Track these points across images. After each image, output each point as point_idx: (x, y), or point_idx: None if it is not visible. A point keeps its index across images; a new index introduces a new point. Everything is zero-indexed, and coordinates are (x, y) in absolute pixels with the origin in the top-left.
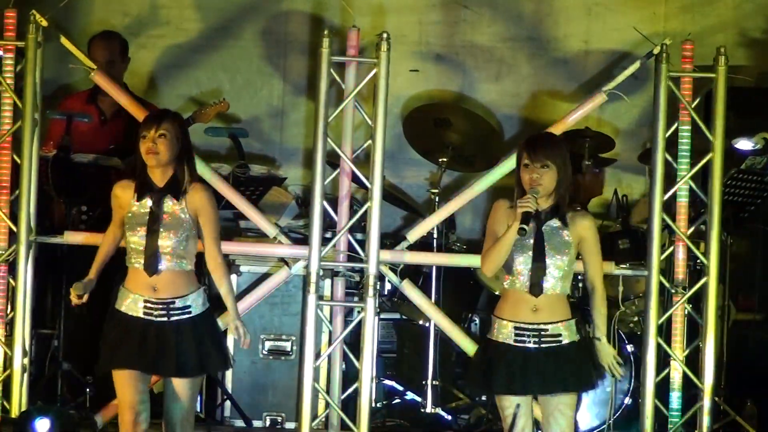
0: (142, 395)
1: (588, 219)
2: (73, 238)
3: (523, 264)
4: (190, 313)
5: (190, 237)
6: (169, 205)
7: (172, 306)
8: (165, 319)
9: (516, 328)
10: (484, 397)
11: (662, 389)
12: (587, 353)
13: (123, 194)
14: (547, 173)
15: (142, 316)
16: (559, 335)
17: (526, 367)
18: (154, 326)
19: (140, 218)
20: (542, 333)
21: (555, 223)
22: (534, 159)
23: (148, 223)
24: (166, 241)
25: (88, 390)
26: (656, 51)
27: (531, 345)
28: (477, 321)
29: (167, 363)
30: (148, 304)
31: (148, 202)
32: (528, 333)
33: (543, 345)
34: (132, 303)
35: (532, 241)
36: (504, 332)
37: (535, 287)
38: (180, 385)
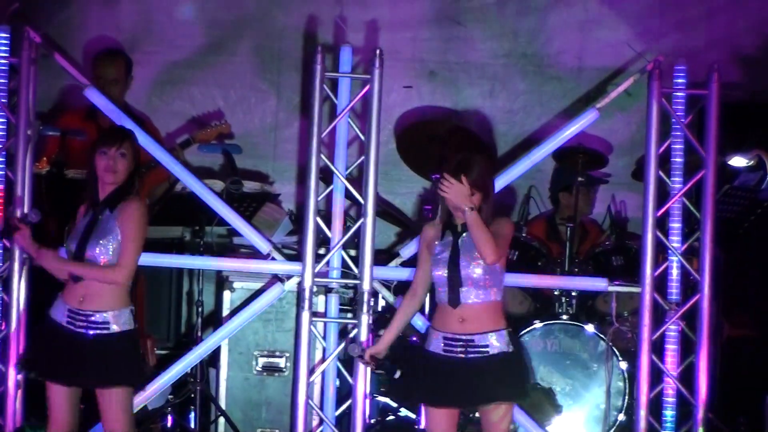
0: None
1: (504, 221)
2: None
3: (440, 277)
4: (108, 329)
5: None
6: (106, 215)
7: (91, 318)
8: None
9: (445, 338)
10: (477, 414)
11: (656, 405)
12: (519, 363)
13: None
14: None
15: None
16: (487, 346)
17: (452, 378)
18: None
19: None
20: (469, 344)
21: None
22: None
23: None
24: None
25: (82, 407)
26: (649, 68)
27: (460, 355)
28: None
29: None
30: (70, 314)
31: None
32: (455, 344)
33: (470, 355)
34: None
35: (448, 254)
36: (434, 342)
37: (453, 299)
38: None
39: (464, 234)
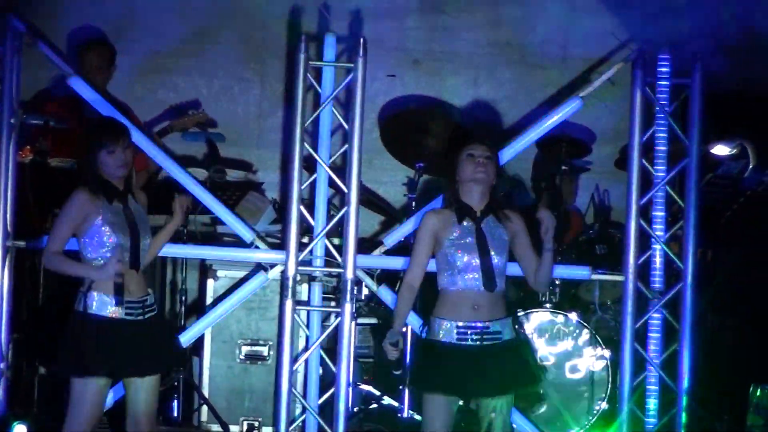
0: None
1: (521, 217)
2: None
3: (467, 262)
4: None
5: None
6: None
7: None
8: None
9: (458, 327)
10: (461, 402)
11: (639, 394)
12: (528, 347)
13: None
14: (490, 164)
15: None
16: (500, 332)
17: (470, 367)
18: None
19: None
20: (485, 331)
21: (492, 219)
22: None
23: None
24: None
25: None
26: (632, 57)
27: (474, 343)
28: None
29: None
30: (129, 306)
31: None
32: (470, 331)
33: (485, 342)
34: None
35: (473, 240)
36: (444, 332)
37: (489, 284)
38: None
39: (485, 220)
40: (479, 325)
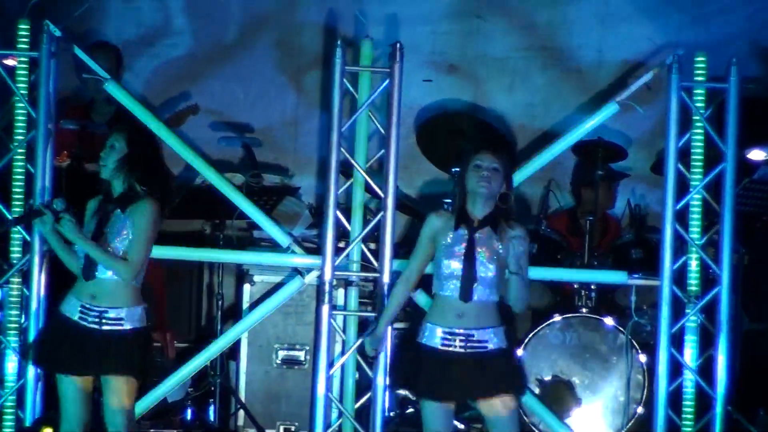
0: None
1: (523, 231)
2: None
3: (451, 270)
4: (121, 325)
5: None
6: (115, 213)
7: (105, 314)
8: (96, 326)
9: (443, 332)
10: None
11: (675, 398)
12: (515, 358)
13: None
14: (495, 176)
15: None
16: (486, 341)
17: (450, 371)
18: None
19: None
20: (469, 338)
21: (488, 231)
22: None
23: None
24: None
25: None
26: (669, 61)
27: (458, 349)
28: None
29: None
30: (83, 309)
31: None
32: (453, 338)
33: (469, 349)
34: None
35: (463, 248)
36: (430, 336)
37: (465, 294)
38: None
39: (480, 230)
40: (461, 332)
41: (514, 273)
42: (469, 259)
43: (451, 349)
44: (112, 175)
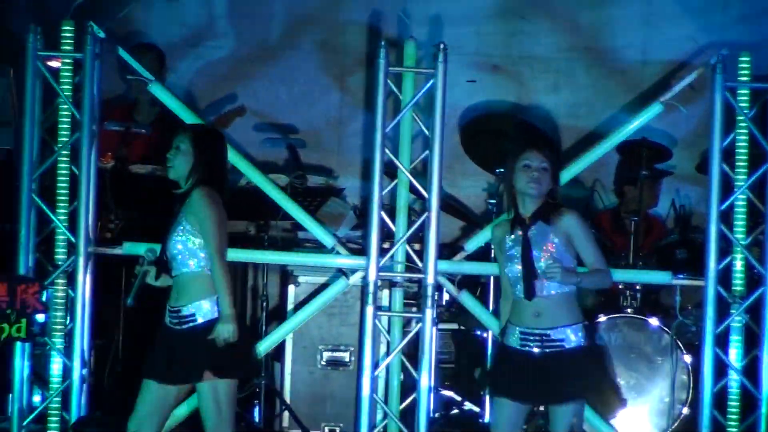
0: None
1: (573, 215)
2: (134, 249)
3: (514, 272)
4: (194, 321)
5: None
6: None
7: (177, 313)
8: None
9: (521, 333)
10: (542, 408)
11: (720, 399)
12: (594, 356)
13: None
14: (545, 175)
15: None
16: (562, 340)
17: (529, 373)
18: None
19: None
20: (545, 338)
21: (540, 225)
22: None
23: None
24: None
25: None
26: (713, 61)
27: (535, 350)
28: None
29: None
30: (169, 313)
31: None
32: (531, 338)
33: (546, 350)
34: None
35: (520, 248)
36: (511, 337)
37: (528, 292)
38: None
39: (533, 226)
40: (537, 332)
41: (591, 265)
42: (526, 258)
43: (528, 349)
44: (179, 176)
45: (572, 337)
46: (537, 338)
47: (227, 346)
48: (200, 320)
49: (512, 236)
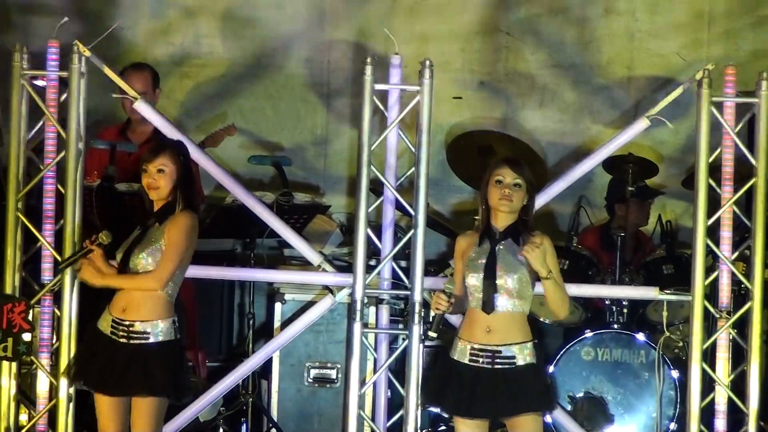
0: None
1: (544, 240)
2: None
3: (474, 282)
4: (146, 339)
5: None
6: (154, 227)
7: (131, 329)
8: (125, 341)
9: (471, 348)
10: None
11: (707, 414)
12: (544, 374)
13: None
14: (517, 192)
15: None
16: (513, 357)
17: (478, 388)
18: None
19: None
20: (496, 354)
21: (510, 243)
22: (508, 175)
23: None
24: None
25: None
26: (699, 76)
27: (485, 366)
28: None
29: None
30: (113, 324)
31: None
32: (482, 354)
33: (497, 366)
34: (103, 321)
35: (485, 260)
36: (459, 352)
37: (487, 305)
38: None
39: (502, 242)
40: (489, 348)
41: (545, 277)
42: (489, 270)
43: (478, 365)
44: (162, 197)
45: (522, 355)
46: (488, 354)
47: (173, 369)
48: (152, 339)
49: (478, 248)
